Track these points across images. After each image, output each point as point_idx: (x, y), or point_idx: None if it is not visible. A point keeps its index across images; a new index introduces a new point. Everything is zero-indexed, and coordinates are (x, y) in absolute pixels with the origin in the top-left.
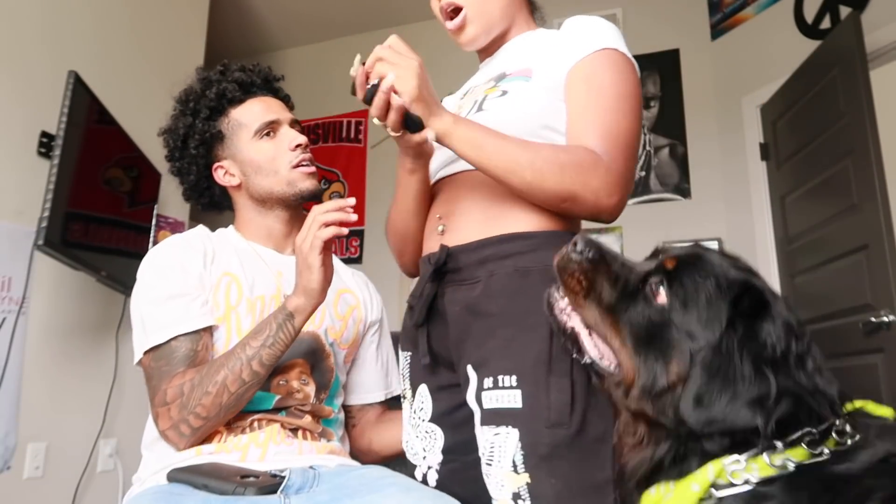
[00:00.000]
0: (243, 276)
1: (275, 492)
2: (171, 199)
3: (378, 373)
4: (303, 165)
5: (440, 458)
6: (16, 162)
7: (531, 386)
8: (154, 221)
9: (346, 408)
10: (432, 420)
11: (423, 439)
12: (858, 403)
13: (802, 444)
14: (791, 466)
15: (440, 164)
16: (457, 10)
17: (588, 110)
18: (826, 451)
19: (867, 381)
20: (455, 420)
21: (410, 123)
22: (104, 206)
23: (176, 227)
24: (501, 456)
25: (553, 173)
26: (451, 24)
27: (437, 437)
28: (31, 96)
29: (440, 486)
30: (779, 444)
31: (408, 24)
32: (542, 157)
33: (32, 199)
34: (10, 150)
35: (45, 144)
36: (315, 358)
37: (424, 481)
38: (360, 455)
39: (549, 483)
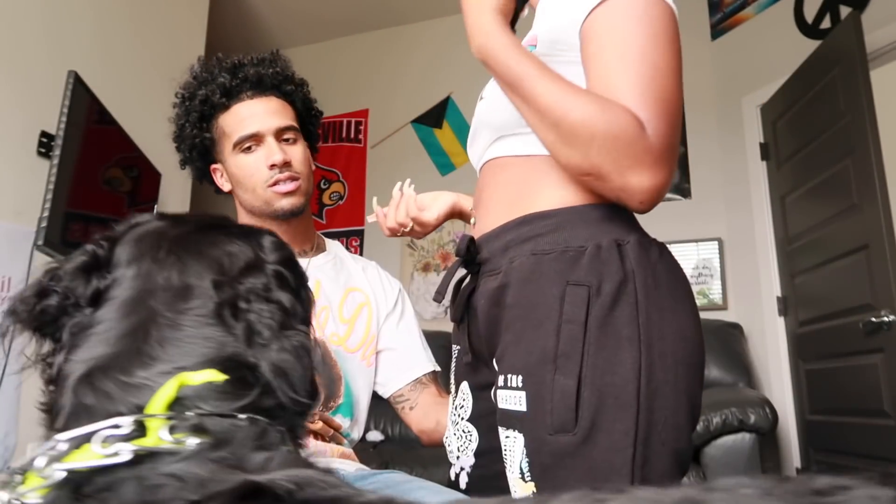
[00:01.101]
0: None
1: None
2: (171, 199)
3: (409, 349)
4: (280, 183)
5: (472, 460)
6: (15, 162)
7: (536, 387)
8: None
9: (396, 395)
10: (470, 420)
11: (459, 438)
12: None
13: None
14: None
15: (476, 157)
16: None
17: (617, 69)
18: (128, 449)
19: (867, 381)
20: (491, 423)
21: None
22: (104, 206)
23: None
24: (511, 461)
25: (577, 142)
26: None
27: (473, 438)
28: (31, 96)
29: (469, 489)
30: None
31: (408, 24)
32: (571, 119)
33: (32, 199)
34: (9, 150)
35: (45, 144)
36: (323, 366)
37: (456, 482)
38: (425, 436)
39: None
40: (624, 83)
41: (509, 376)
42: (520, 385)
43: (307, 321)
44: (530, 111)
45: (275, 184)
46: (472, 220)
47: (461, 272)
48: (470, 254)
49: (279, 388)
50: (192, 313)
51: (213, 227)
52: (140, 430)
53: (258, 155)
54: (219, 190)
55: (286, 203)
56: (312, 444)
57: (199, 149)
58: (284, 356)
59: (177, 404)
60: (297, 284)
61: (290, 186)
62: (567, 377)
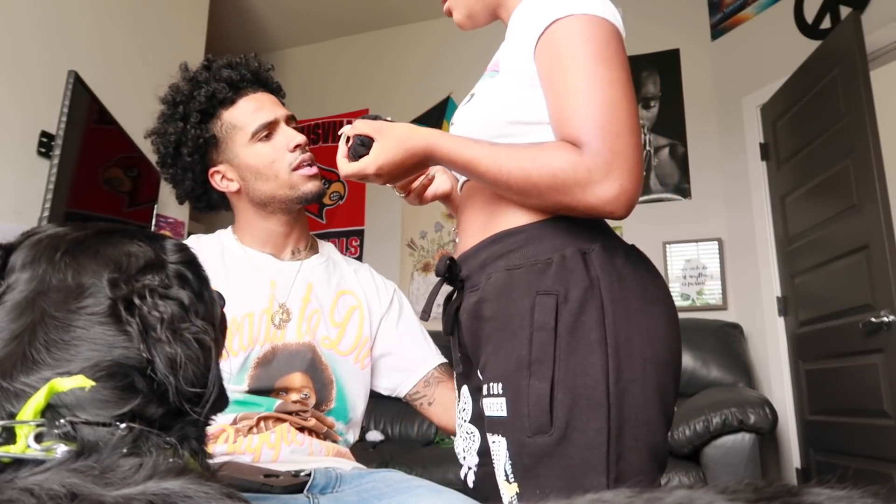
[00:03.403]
0: (228, 292)
1: (301, 491)
2: (171, 199)
3: (413, 347)
4: (304, 167)
5: (476, 460)
6: (16, 162)
7: (513, 393)
8: (154, 221)
9: (411, 393)
10: (471, 421)
11: (464, 439)
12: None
13: None
14: None
15: (458, 177)
16: None
17: (560, 96)
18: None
19: (867, 381)
20: None
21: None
22: (104, 206)
23: (176, 228)
24: (497, 465)
25: (532, 195)
26: (444, 11)
27: (475, 438)
28: (31, 96)
29: (476, 488)
30: None
31: (407, 24)
32: (514, 181)
33: (32, 199)
34: (10, 150)
35: (45, 144)
36: (314, 370)
37: (465, 482)
38: (449, 431)
39: (534, 494)
40: (566, 110)
41: (491, 384)
42: (500, 392)
43: (211, 320)
44: (487, 185)
45: (299, 166)
46: (456, 240)
47: (447, 289)
48: (451, 272)
49: (171, 385)
50: (84, 312)
51: (115, 231)
52: (9, 437)
53: (277, 141)
54: (209, 205)
55: (312, 185)
56: (307, 441)
57: (202, 150)
58: (178, 349)
59: (52, 412)
60: (200, 286)
61: (314, 170)
62: (541, 381)
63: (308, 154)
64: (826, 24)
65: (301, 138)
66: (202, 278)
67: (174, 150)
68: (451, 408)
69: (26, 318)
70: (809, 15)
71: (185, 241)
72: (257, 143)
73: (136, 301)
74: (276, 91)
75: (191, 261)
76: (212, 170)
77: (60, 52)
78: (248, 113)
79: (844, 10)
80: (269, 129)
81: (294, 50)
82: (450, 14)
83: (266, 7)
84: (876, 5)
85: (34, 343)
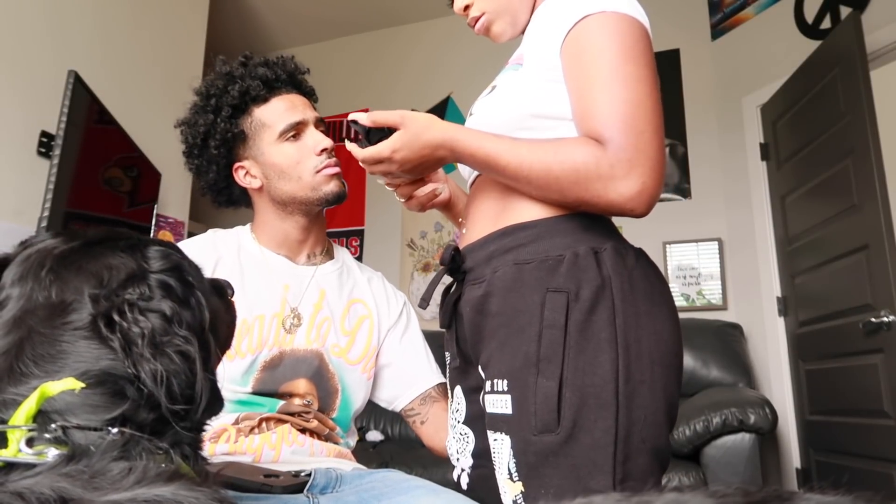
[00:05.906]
0: (242, 293)
1: (301, 491)
2: (171, 199)
3: (414, 363)
4: (328, 168)
5: (471, 461)
6: (16, 162)
7: (520, 390)
8: (154, 221)
9: (407, 409)
10: (465, 422)
11: (458, 441)
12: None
13: None
14: None
15: (467, 171)
16: (468, 6)
17: (585, 91)
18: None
19: (867, 381)
20: (485, 425)
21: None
22: (104, 205)
23: (176, 227)
24: (500, 463)
25: (552, 189)
26: (477, 30)
27: (470, 440)
28: (31, 96)
29: (470, 490)
30: None
31: (408, 23)
32: (535, 175)
33: (32, 199)
34: (10, 150)
35: (45, 144)
36: (319, 377)
37: (458, 483)
38: (436, 452)
39: (539, 493)
40: (591, 105)
41: (495, 381)
42: (505, 389)
43: (199, 327)
44: (507, 180)
45: (323, 169)
46: (462, 231)
47: (447, 280)
48: (455, 262)
49: (160, 398)
50: (68, 328)
51: (102, 242)
52: (0, 442)
53: (304, 142)
54: (229, 200)
55: (335, 185)
56: (308, 442)
57: (229, 144)
58: (159, 365)
59: (43, 417)
60: (185, 293)
61: (336, 168)
62: (549, 379)
63: (334, 159)
64: (826, 24)
65: (328, 142)
66: (188, 284)
67: (202, 141)
68: (441, 428)
69: (14, 336)
70: (809, 15)
71: (204, 235)
72: (284, 143)
73: (116, 317)
74: (310, 94)
75: (175, 267)
76: (236, 164)
77: (60, 52)
78: (278, 112)
79: (844, 10)
80: (297, 130)
81: (294, 50)
82: (486, 31)
83: (266, 7)
84: (876, 5)
85: (21, 357)
